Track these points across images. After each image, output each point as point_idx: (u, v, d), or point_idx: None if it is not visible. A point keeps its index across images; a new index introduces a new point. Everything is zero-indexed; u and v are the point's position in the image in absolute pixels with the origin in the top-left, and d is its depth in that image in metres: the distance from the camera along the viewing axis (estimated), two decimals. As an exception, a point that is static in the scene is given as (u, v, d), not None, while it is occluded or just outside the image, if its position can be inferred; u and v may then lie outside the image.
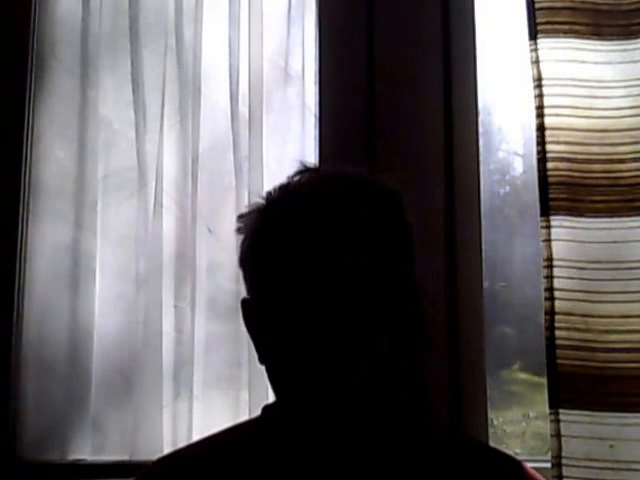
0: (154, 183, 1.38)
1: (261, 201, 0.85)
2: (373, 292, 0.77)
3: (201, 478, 0.82)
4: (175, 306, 1.37)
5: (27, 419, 1.34)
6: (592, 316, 1.20)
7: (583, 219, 1.23)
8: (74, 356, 1.36)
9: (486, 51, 1.42)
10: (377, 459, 0.80)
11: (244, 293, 0.85)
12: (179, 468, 0.85)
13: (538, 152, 1.26)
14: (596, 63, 1.27)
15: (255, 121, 1.39)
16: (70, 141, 1.42)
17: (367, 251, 0.78)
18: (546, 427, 1.21)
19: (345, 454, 0.79)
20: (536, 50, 1.27)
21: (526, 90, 1.29)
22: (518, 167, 1.57)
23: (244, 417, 1.23)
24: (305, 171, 0.85)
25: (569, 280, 1.22)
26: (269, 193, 0.85)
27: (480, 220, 1.36)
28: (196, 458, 0.85)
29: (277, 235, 0.80)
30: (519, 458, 0.90)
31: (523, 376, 1.46)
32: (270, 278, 0.80)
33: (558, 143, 1.25)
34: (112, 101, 1.43)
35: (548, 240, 1.23)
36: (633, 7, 1.28)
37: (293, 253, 0.78)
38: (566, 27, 1.27)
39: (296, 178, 0.84)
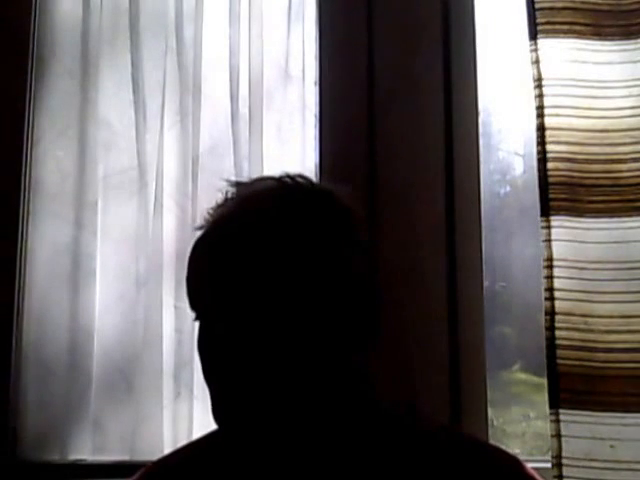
0: (154, 183, 1.38)
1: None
2: (294, 299, 0.78)
3: None
4: (175, 306, 1.36)
5: (27, 419, 1.34)
6: (592, 316, 1.20)
7: (583, 219, 1.23)
8: (74, 356, 1.36)
9: (486, 51, 1.42)
10: (372, 460, 0.80)
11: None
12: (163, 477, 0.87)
13: (538, 152, 1.26)
14: (596, 63, 1.27)
15: (255, 121, 1.39)
16: (70, 141, 1.42)
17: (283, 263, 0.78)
18: (546, 427, 1.21)
19: (334, 458, 0.80)
20: (536, 50, 1.27)
21: (526, 90, 1.30)
22: (518, 167, 1.57)
23: (244, 417, 1.23)
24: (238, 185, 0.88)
25: (569, 280, 1.22)
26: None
27: (480, 220, 1.36)
28: (179, 467, 0.87)
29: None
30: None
31: (523, 376, 1.46)
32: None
33: (558, 143, 1.25)
34: (112, 101, 1.42)
35: (548, 240, 1.23)
36: (633, 7, 1.28)
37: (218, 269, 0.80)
38: (566, 27, 1.28)
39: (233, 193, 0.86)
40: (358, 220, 0.84)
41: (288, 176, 0.85)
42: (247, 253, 0.78)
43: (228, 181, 0.88)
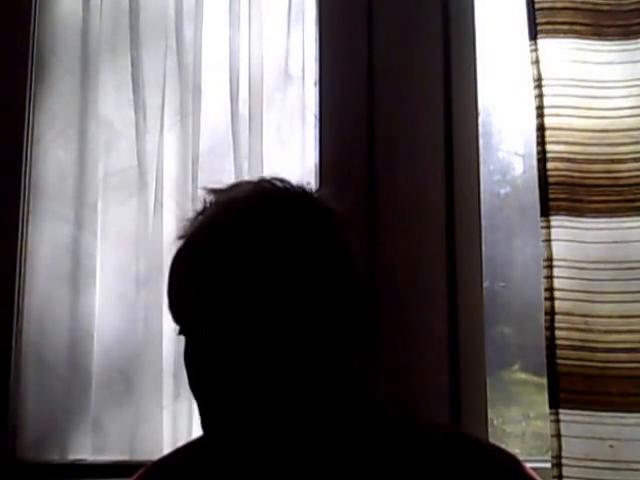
0: (154, 183, 1.38)
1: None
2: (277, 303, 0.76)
3: None
4: (175, 306, 1.36)
5: (27, 419, 1.34)
6: (592, 316, 1.20)
7: (583, 219, 1.23)
8: (74, 356, 1.36)
9: (486, 51, 1.42)
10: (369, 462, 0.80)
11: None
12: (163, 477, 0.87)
13: (538, 152, 1.26)
14: (596, 63, 1.27)
15: (255, 121, 1.39)
16: (70, 141, 1.42)
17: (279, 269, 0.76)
18: (546, 427, 1.21)
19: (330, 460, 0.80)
20: (536, 50, 1.27)
21: (526, 90, 1.30)
22: (518, 167, 1.57)
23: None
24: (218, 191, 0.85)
25: (569, 280, 1.22)
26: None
27: (480, 220, 1.36)
28: (178, 466, 0.87)
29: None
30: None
31: (523, 376, 1.46)
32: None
33: (558, 143, 1.25)
34: (112, 101, 1.42)
35: (548, 240, 1.23)
36: (633, 7, 1.28)
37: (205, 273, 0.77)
38: (566, 27, 1.28)
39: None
40: (341, 220, 0.82)
41: (265, 180, 0.83)
42: (231, 260, 0.76)
43: (204, 189, 0.85)
